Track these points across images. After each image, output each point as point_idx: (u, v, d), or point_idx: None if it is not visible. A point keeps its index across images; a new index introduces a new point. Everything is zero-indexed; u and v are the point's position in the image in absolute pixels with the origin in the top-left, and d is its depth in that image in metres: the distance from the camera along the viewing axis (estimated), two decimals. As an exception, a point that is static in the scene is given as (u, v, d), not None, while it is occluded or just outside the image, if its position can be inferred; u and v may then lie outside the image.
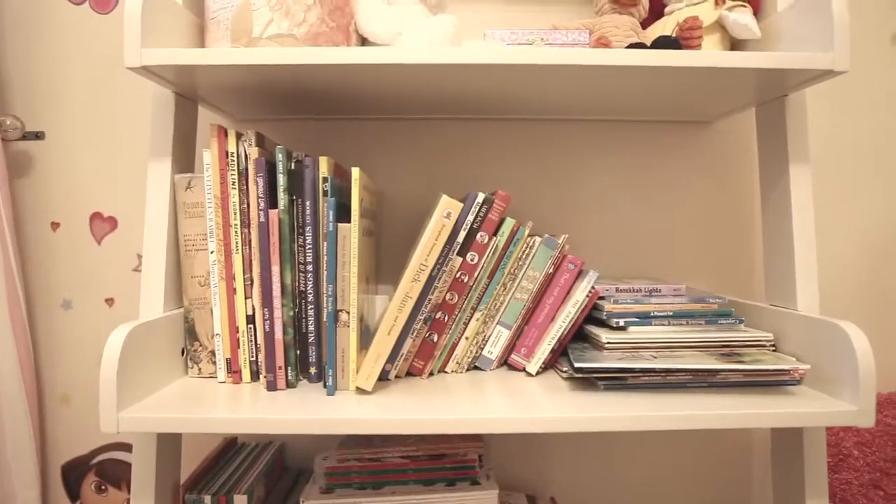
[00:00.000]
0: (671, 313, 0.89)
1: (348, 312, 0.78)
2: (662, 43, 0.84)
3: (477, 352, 0.90)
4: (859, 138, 1.18)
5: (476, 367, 0.91)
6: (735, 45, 0.98)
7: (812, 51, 0.80)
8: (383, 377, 0.84)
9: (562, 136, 1.14)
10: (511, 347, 0.90)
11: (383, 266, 1.12)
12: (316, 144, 1.12)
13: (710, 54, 0.77)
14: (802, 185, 0.88)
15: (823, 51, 0.78)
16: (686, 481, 1.16)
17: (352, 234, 0.78)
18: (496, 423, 0.70)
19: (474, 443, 0.95)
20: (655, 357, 0.80)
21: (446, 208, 0.77)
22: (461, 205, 0.79)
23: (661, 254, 1.15)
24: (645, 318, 0.88)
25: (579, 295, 0.87)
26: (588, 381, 0.83)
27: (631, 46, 0.84)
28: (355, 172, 0.78)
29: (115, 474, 1.15)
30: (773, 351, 0.85)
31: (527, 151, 1.14)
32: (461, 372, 0.89)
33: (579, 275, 0.90)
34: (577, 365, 0.77)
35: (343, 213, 0.80)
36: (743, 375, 0.78)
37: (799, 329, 0.83)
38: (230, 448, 1.05)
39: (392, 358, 0.82)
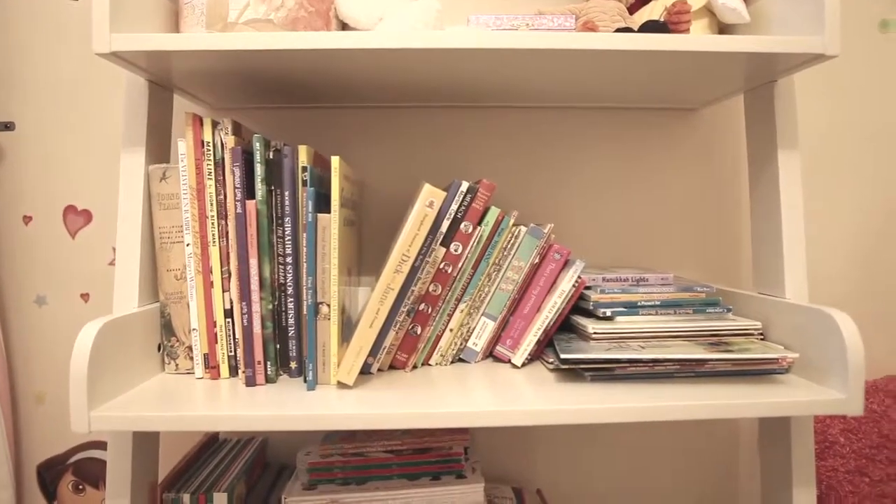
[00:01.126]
0: (659, 303, 0.88)
1: (329, 305, 0.76)
2: (650, 27, 0.83)
3: (461, 344, 0.88)
4: (847, 125, 1.17)
5: (461, 360, 0.89)
6: (723, 29, 0.96)
7: (802, 35, 0.78)
8: (365, 371, 0.82)
9: (548, 124, 1.12)
10: (496, 339, 0.89)
11: (366, 257, 1.10)
12: (297, 134, 1.10)
13: (699, 38, 0.76)
14: (791, 172, 0.87)
15: (814, 34, 0.77)
16: (673, 469, 1.16)
17: (332, 224, 0.76)
18: (482, 417, 0.68)
19: (459, 436, 0.94)
20: (643, 347, 0.79)
21: (429, 197, 0.75)
22: (444, 194, 0.77)
23: (649, 242, 1.13)
24: (632, 308, 0.87)
25: (565, 285, 0.85)
26: (574, 372, 0.81)
27: (618, 31, 0.82)
28: (335, 161, 0.76)
29: (94, 474, 1.12)
30: (762, 339, 0.84)
31: (512, 140, 1.12)
32: (445, 364, 0.88)
33: (565, 264, 0.88)
34: (563, 356, 0.75)
35: (323, 204, 0.78)
36: (731, 365, 0.77)
37: (787, 317, 0.82)
38: (211, 444, 1.02)
39: (374, 351, 0.80)
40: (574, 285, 0.86)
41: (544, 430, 1.13)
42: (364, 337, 0.74)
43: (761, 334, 0.84)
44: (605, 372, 0.77)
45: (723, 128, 1.14)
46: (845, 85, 1.17)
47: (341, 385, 0.77)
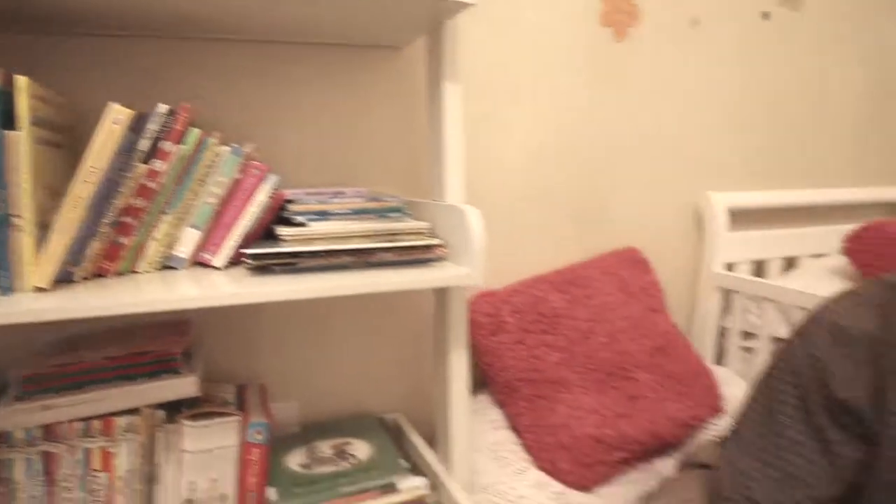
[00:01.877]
0: (349, 211, 1.03)
1: (22, 217, 0.81)
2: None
3: (168, 252, 0.96)
4: (524, 62, 1.41)
5: (169, 267, 0.97)
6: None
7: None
8: (67, 279, 0.87)
9: (266, 58, 1.21)
10: (202, 247, 0.98)
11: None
12: (20, 63, 1.07)
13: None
14: (453, 101, 1.05)
15: (455, -16, 0.95)
16: (383, 357, 1.35)
17: (21, 141, 0.80)
18: (176, 302, 0.79)
19: (179, 338, 1.03)
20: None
21: (114, 115, 0.82)
22: (130, 112, 0.84)
23: (358, 165, 1.28)
24: (324, 216, 1.01)
25: (262, 196, 0.97)
26: (267, 268, 0.94)
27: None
28: (20, 81, 0.79)
29: None
30: (430, 237, 1.03)
31: (234, 72, 1.19)
32: (152, 271, 0.96)
33: (264, 180, 1.00)
34: (248, 252, 0.88)
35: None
36: (395, 255, 0.95)
37: (445, 217, 1.01)
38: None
39: (75, 259, 0.86)
40: (270, 196, 0.98)
41: (269, 329, 1.26)
42: (56, 243, 0.80)
43: (431, 233, 1.03)
44: (290, 265, 0.91)
45: (420, 64, 1.31)
46: (519, 30, 1.40)
47: (39, 290, 0.82)
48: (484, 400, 1.33)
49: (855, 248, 1.49)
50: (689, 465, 1.12)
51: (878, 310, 0.84)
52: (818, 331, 0.87)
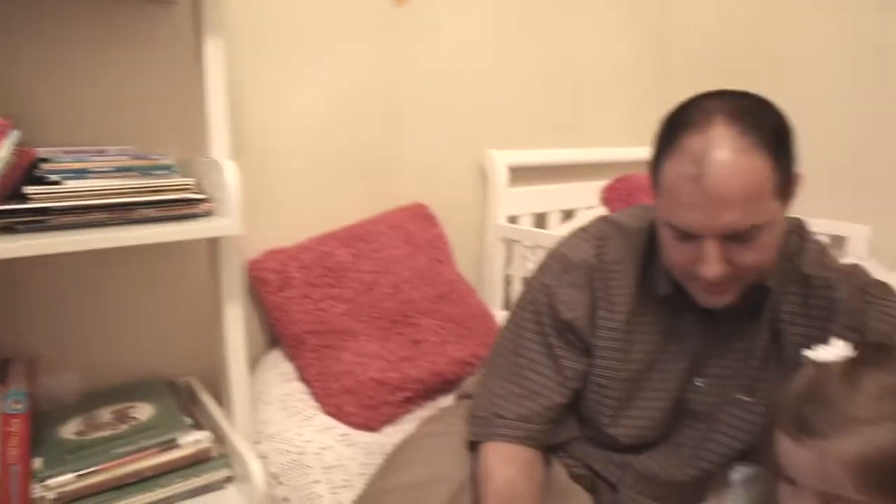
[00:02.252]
0: (112, 168, 1.00)
1: None
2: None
3: None
4: (307, 21, 1.42)
5: None
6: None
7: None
8: None
9: (16, 6, 1.12)
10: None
11: None
12: None
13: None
14: (215, 55, 1.04)
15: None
16: (169, 321, 1.33)
17: None
18: None
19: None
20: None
21: None
22: None
23: (127, 122, 1.22)
24: (82, 173, 0.97)
25: (3, 153, 0.92)
26: (12, 228, 0.89)
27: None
28: None
29: None
30: (197, 192, 1.03)
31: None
32: None
33: (5, 136, 0.94)
34: (-16, 210, 0.84)
35: None
36: (156, 210, 0.95)
37: (210, 172, 1.02)
38: None
39: None
40: (13, 154, 0.93)
41: (42, 300, 1.18)
42: None
43: (198, 189, 1.03)
44: (37, 224, 0.88)
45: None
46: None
47: None
48: (277, 355, 1.36)
49: (609, 197, 1.69)
50: (462, 397, 1.23)
51: (597, 242, 0.99)
52: (551, 263, 1.01)
